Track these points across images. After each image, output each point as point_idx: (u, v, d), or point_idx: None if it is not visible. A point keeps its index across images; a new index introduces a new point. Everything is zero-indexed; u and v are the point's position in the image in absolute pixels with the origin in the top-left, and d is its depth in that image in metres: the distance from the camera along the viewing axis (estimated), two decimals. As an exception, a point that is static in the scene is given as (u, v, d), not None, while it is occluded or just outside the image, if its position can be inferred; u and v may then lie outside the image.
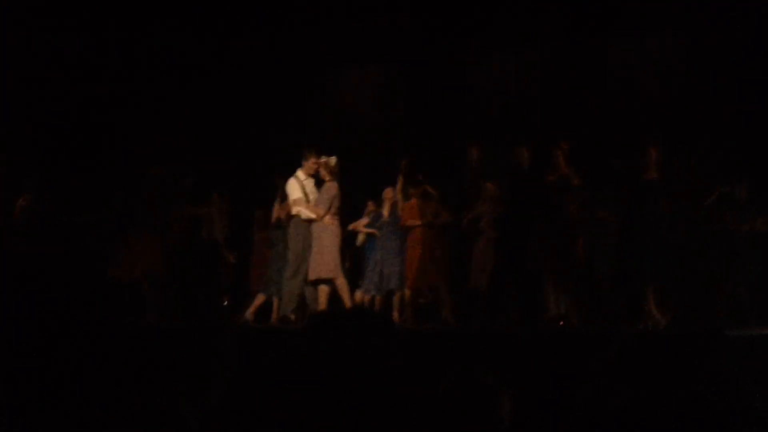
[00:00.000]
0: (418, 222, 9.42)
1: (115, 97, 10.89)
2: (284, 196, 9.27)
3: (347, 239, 9.85)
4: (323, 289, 9.06)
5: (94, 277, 8.99)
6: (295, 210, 9.03)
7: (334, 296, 9.12)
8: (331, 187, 8.99)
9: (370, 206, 10.21)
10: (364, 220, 10.20)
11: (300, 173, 9.10)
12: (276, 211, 9.63)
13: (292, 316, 8.89)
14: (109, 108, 10.86)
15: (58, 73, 10.71)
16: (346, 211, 9.52)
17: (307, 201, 9.03)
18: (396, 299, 9.63)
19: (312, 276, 8.95)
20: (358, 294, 9.76)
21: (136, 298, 8.95)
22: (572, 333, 7.96)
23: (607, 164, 8.85)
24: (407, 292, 9.54)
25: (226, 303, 10.43)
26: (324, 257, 8.94)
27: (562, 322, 8.69)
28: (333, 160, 9.11)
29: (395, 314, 9.44)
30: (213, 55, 11.56)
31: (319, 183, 9.14)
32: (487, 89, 11.76)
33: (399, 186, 9.75)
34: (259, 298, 9.48)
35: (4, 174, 9.84)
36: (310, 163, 9.08)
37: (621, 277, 8.35)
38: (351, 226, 10.13)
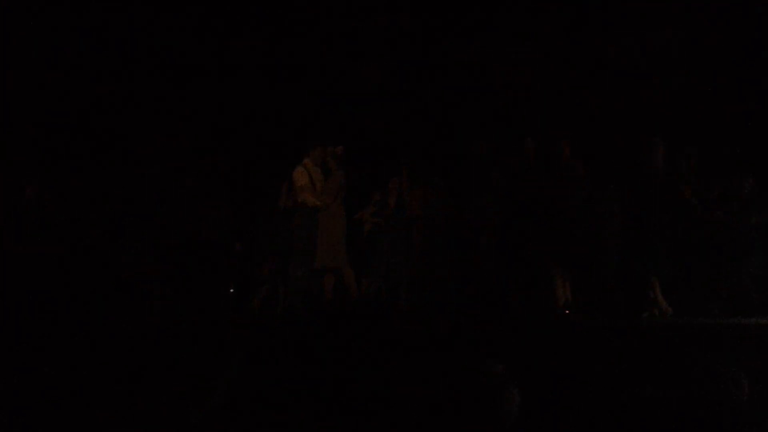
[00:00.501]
0: (424, 212, 9.41)
1: (115, 96, 10.89)
2: (291, 185, 9.25)
3: (353, 228, 9.83)
4: (329, 279, 9.06)
5: (97, 275, 8.98)
6: (301, 198, 8.99)
7: (340, 285, 9.10)
8: (338, 176, 8.97)
9: (376, 196, 10.20)
10: (370, 210, 10.19)
11: (307, 161, 9.07)
12: (283, 200, 9.61)
13: (299, 306, 8.86)
14: (109, 107, 10.85)
15: (58, 73, 10.70)
16: (353, 200, 9.52)
17: (314, 189, 8.99)
18: (402, 289, 9.61)
19: (318, 265, 8.93)
20: (364, 283, 9.74)
21: (139, 295, 8.95)
22: (579, 323, 7.94)
23: (612, 155, 8.90)
24: (413, 281, 9.52)
25: (232, 291, 10.43)
26: (330, 246, 8.92)
27: (568, 311, 8.67)
28: (340, 149, 9.10)
29: (401, 304, 9.43)
30: (213, 55, 11.56)
31: (326, 172, 9.12)
32: (492, 83, 11.77)
33: (405, 176, 9.73)
34: (266, 287, 9.47)
35: (4, 173, 9.83)
36: (317, 151, 9.06)
37: (626, 267, 8.35)
38: (357, 216, 10.13)
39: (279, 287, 9.40)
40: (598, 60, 11.31)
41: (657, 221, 8.18)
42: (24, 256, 8.75)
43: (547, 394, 5.98)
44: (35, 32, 10.73)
